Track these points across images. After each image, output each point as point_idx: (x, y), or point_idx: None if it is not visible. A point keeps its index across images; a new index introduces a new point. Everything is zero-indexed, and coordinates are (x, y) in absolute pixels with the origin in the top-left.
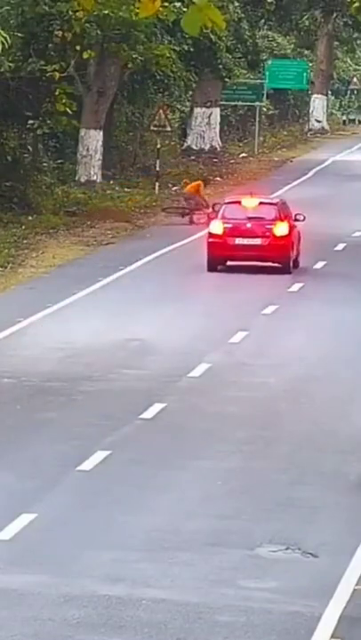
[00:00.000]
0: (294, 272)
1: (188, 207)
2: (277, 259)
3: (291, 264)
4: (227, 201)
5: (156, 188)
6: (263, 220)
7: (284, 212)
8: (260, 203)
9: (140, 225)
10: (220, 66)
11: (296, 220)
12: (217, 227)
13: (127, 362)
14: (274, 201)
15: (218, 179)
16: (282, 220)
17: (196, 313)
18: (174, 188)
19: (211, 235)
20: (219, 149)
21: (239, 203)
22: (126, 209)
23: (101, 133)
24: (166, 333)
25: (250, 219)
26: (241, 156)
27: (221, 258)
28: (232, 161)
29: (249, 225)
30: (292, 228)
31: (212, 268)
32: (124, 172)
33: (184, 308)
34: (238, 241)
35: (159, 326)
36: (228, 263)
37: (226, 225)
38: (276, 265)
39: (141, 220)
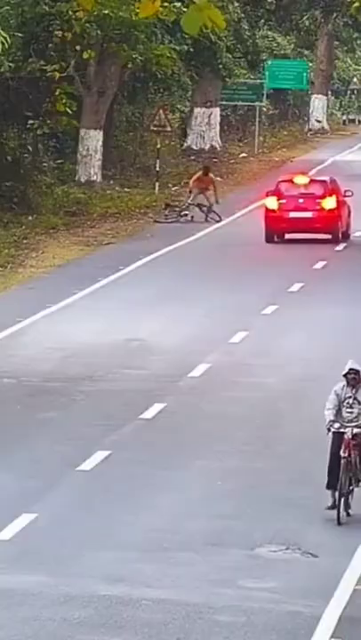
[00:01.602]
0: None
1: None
2: (327, 229)
3: (340, 234)
4: (280, 179)
5: (156, 187)
6: (314, 195)
7: (333, 189)
8: (311, 180)
9: (141, 225)
10: (220, 66)
11: (346, 195)
12: (273, 202)
13: (127, 362)
14: (324, 178)
15: (218, 179)
16: (330, 195)
17: (195, 313)
18: (174, 187)
19: (267, 210)
20: (219, 149)
21: (292, 181)
22: (126, 209)
23: (101, 133)
24: (166, 334)
25: (302, 195)
26: (241, 156)
27: (278, 230)
28: (232, 161)
29: (301, 200)
30: (340, 202)
31: (269, 239)
32: (123, 172)
33: (184, 308)
34: (292, 214)
35: (159, 326)
36: (287, 236)
37: (281, 201)
38: (326, 236)
39: (142, 219)
